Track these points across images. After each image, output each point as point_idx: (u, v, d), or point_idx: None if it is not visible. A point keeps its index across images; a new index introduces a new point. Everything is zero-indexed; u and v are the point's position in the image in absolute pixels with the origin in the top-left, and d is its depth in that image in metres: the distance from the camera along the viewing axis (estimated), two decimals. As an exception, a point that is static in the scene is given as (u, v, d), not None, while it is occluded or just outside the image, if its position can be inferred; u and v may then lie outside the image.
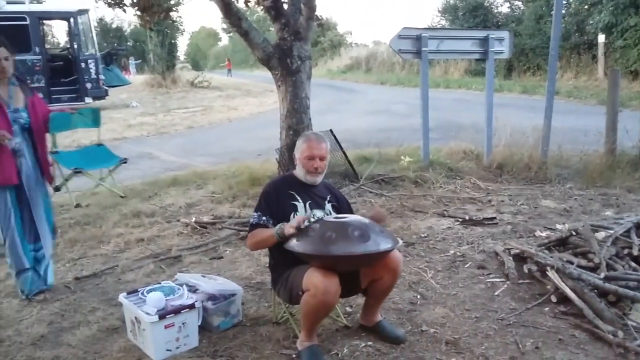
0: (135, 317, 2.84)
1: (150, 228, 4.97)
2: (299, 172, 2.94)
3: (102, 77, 15.29)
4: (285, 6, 5.87)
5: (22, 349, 2.89)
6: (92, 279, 3.89)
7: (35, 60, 14.07)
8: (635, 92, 13.71)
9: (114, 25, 32.88)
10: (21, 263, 3.44)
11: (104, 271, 4.02)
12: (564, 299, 3.21)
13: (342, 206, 3.04)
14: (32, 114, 3.41)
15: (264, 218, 2.82)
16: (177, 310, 2.82)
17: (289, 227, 2.64)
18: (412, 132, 8.52)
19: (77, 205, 5.28)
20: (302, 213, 2.84)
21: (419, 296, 3.44)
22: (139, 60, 28.66)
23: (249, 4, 7.03)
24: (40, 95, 3.69)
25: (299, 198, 2.88)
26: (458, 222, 4.90)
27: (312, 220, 2.80)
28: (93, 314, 3.30)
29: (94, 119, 4.37)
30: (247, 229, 2.93)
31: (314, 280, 2.53)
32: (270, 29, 7.36)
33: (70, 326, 3.16)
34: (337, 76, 28.80)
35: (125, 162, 4.98)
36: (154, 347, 2.74)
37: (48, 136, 3.80)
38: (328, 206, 2.95)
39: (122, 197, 5.61)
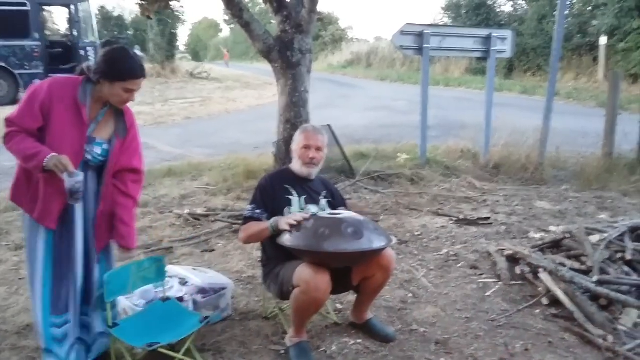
0: (124, 309, 2.82)
1: (142, 219, 4.93)
2: (295, 164, 2.92)
3: (101, 65, 15.19)
4: (287, -1, 5.82)
5: (7, 337, 2.87)
6: (82, 268, 3.86)
7: (34, 46, 13.99)
8: (635, 96, 13.69)
9: (115, 14, 32.70)
10: (39, 339, 2.48)
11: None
12: (555, 302, 3.20)
13: (337, 202, 3.02)
14: (112, 157, 2.42)
15: (257, 211, 2.80)
16: (166, 303, 2.77)
17: (284, 223, 2.62)
18: (411, 129, 8.49)
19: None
20: (297, 207, 2.82)
21: (410, 295, 3.42)
22: (142, 54, 28.59)
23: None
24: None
25: (294, 192, 2.86)
26: (452, 221, 4.89)
27: (306, 215, 2.78)
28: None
29: (158, 271, 2.76)
30: (240, 222, 2.90)
31: (304, 276, 2.51)
32: (272, 21, 7.31)
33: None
34: (337, 71, 28.71)
35: (209, 322, 2.78)
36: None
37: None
38: (323, 202, 2.93)
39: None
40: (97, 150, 2.36)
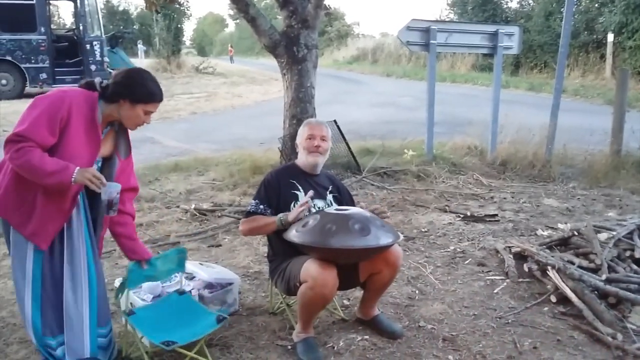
0: (131, 303, 2.82)
1: (149, 213, 4.94)
2: (301, 157, 2.92)
3: (106, 59, 15.22)
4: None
5: (16, 330, 2.88)
6: (89, 263, 3.86)
7: (40, 40, 14.02)
8: (642, 93, 13.59)
9: (120, 8, 32.75)
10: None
11: (100, 255, 3.99)
12: (563, 300, 3.19)
13: (343, 197, 3.01)
14: (116, 179, 2.35)
15: (261, 207, 2.79)
16: (173, 298, 2.78)
17: (293, 215, 2.64)
18: (417, 125, 8.46)
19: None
20: (303, 203, 2.81)
21: (417, 291, 3.41)
22: (145, 48, 28.58)
23: (256, -10, 6.95)
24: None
25: (300, 187, 2.85)
26: (459, 218, 4.87)
27: (313, 210, 2.77)
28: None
29: (179, 262, 2.75)
30: (246, 209, 2.90)
31: (312, 272, 2.51)
32: (278, 16, 7.28)
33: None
34: (343, 67, 28.62)
35: (224, 324, 2.69)
36: (149, 334, 2.66)
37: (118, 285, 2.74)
38: (329, 196, 2.93)
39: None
40: (95, 168, 2.26)
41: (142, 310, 2.61)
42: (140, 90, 2.22)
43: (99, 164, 2.32)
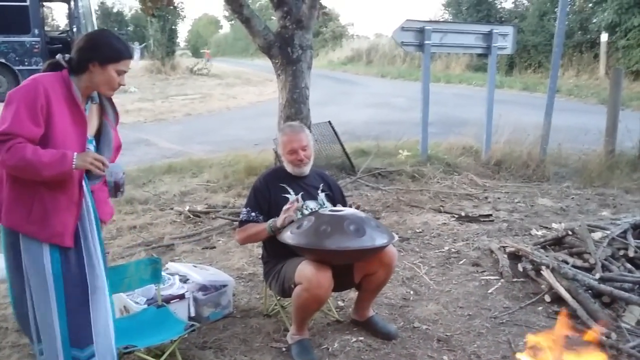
0: (125, 306, 2.81)
1: (143, 215, 4.92)
2: (287, 167, 2.90)
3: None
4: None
5: (8, 335, 2.86)
6: (83, 265, 3.84)
7: (34, 42, 13.93)
8: (636, 93, 13.65)
9: (114, 10, 32.65)
10: None
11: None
12: (558, 299, 3.19)
13: (335, 194, 3.01)
14: (115, 150, 2.26)
15: (253, 214, 2.79)
16: (166, 300, 2.79)
17: (280, 221, 2.64)
18: (412, 125, 8.46)
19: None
20: (295, 205, 2.80)
21: (412, 292, 3.41)
22: (144, 45, 28.47)
23: (251, -9, 6.94)
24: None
25: (290, 190, 2.85)
26: (454, 218, 4.87)
27: (306, 212, 2.77)
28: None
29: (154, 272, 2.70)
30: (239, 218, 2.89)
31: (306, 274, 2.50)
32: (272, 17, 7.28)
33: (58, 312, 3.12)
34: (337, 67, 28.58)
35: (194, 331, 2.70)
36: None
37: None
38: (321, 195, 2.92)
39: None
40: (91, 148, 2.13)
41: (118, 321, 2.48)
42: (107, 49, 2.08)
43: (93, 143, 2.17)
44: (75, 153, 1.98)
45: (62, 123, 2.01)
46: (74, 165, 1.96)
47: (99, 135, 2.21)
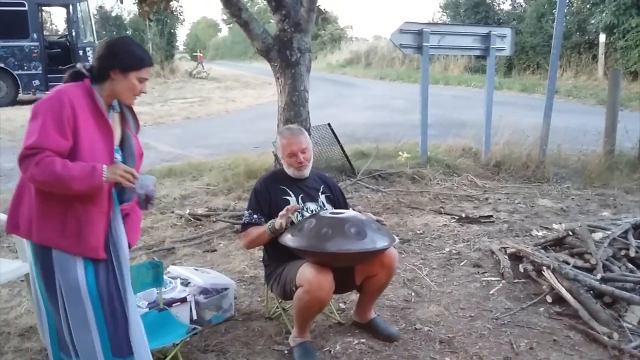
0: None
1: (143, 219, 4.88)
2: (287, 170, 2.90)
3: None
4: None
5: (10, 339, 2.86)
6: (83, 269, 3.84)
7: (32, 47, 13.97)
8: (634, 93, 13.67)
9: (113, 14, 32.64)
10: None
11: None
12: (559, 300, 3.19)
13: (335, 195, 3.01)
14: (138, 159, 2.25)
15: (255, 216, 2.79)
16: (168, 304, 2.79)
17: (278, 220, 2.62)
18: (411, 127, 8.48)
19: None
20: (295, 207, 2.81)
21: (413, 294, 3.41)
22: None
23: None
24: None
25: (290, 192, 2.85)
26: (454, 220, 4.87)
27: (307, 214, 2.77)
28: (84, 305, 3.25)
29: (155, 276, 2.71)
30: (241, 221, 2.89)
31: (307, 276, 2.50)
32: (271, 20, 7.29)
33: (60, 317, 3.12)
34: (336, 70, 28.63)
35: (195, 334, 2.72)
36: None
37: None
38: (322, 197, 2.92)
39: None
40: (118, 157, 2.09)
41: None
42: (128, 57, 2.05)
43: (119, 152, 2.13)
44: (105, 166, 1.95)
45: (88, 134, 1.98)
46: (104, 178, 1.94)
47: (122, 145, 2.17)
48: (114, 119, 2.14)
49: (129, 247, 2.20)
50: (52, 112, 1.91)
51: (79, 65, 2.10)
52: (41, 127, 1.89)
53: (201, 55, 36.98)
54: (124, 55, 2.05)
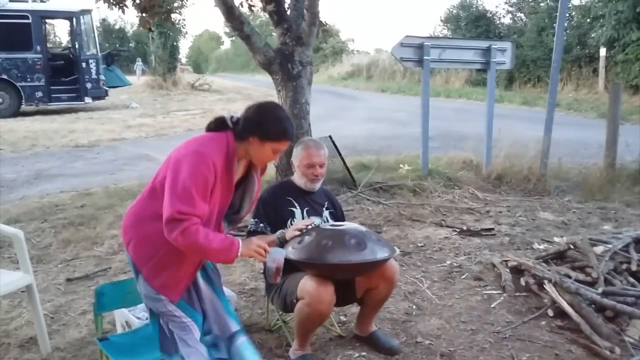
0: (126, 321, 2.80)
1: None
2: (298, 179, 2.91)
3: (102, 77, 15.29)
4: (288, 11, 5.85)
5: (10, 350, 2.85)
6: (84, 281, 3.84)
7: (36, 59, 14.08)
8: (635, 107, 13.71)
9: (116, 26, 32.89)
10: None
11: (96, 273, 3.97)
12: (561, 313, 3.18)
13: (337, 213, 3.03)
14: (246, 199, 2.29)
15: (261, 225, 2.79)
16: (169, 315, 2.77)
17: (291, 232, 2.61)
18: (412, 140, 8.50)
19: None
20: (300, 219, 2.81)
21: (414, 307, 3.40)
22: (143, 67, 28.63)
23: (253, 8, 7.02)
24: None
25: (296, 204, 2.86)
26: (455, 233, 4.87)
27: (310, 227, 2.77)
28: (83, 317, 3.26)
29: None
30: (242, 233, 2.90)
31: (308, 289, 2.50)
32: (273, 34, 7.35)
33: (59, 329, 3.12)
34: (338, 83, 28.79)
35: None
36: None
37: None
38: (326, 213, 2.93)
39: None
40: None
41: (117, 336, 2.51)
42: (272, 127, 2.05)
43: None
44: (241, 241, 2.01)
45: (216, 193, 2.01)
46: (239, 254, 1.99)
47: (244, 185, 2.20)
48: (240, 163, 2.15)
49: None
50: (203, 179, 1.94)
51: (226, 115, 2.10)
52: (192, 194, 1.91)
53: (182, 67, 37.16)
54: (269, 125, 2.05)
